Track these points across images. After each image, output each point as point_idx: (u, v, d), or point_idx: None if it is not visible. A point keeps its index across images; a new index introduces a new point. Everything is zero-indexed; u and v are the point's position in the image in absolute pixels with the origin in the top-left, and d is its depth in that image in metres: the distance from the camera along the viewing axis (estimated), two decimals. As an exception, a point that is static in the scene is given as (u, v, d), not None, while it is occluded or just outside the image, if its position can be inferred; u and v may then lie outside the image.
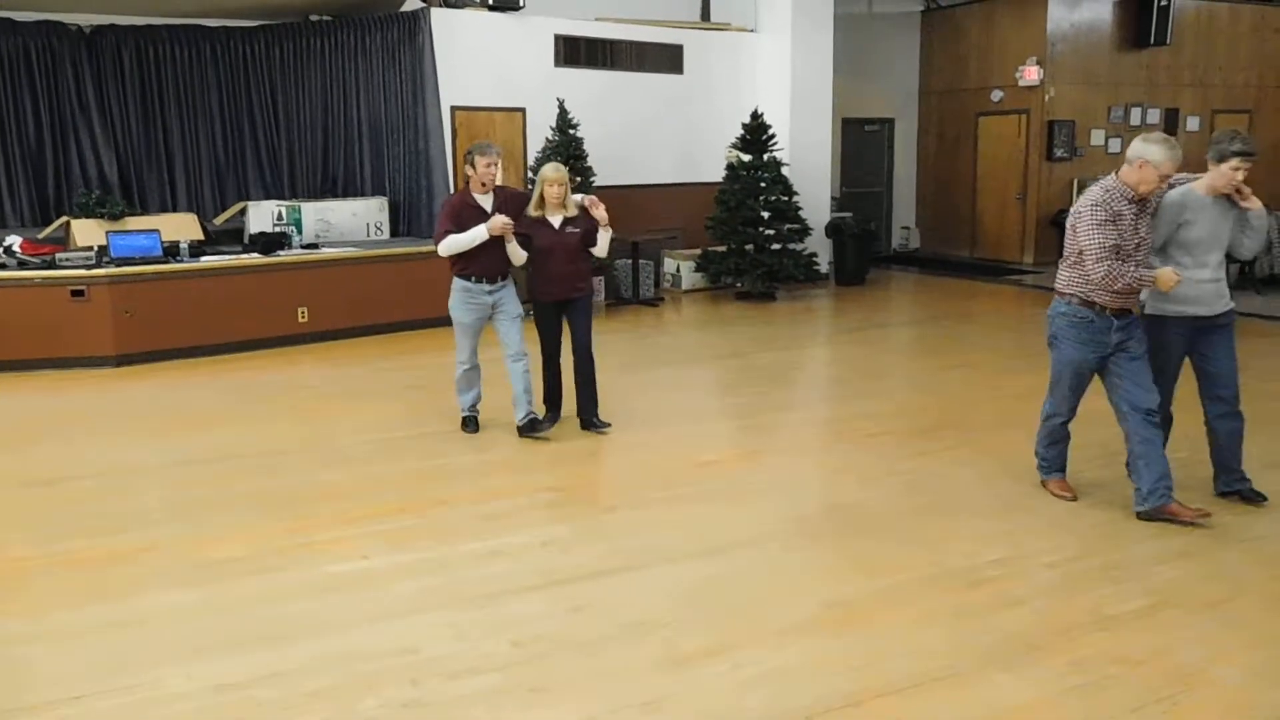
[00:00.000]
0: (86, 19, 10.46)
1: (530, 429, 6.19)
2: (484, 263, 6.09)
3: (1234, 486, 5.07)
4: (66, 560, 4.56)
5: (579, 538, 4.83)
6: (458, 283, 6.18)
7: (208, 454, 6.12)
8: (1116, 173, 4.83)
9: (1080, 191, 14.40)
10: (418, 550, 4.63)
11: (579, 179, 10.52)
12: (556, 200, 6.13)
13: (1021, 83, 14.31)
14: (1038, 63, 14.10)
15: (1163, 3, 14.41)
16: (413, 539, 4.75)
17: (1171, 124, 15.23)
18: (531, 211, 6.17)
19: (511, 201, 6.19)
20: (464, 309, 6.20)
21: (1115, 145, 14.79)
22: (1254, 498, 5.03)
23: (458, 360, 6.35)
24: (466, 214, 6.05)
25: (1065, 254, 4.94)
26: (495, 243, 6.01)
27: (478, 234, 5.98)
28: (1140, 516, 4.81)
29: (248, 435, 6.53)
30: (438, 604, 4.08)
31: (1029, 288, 12.75)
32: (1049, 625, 3.82)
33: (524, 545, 4.69)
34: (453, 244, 6.02)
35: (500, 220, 5.97)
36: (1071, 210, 4.88)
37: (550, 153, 10.45)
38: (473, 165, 6.06)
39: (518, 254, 6.13)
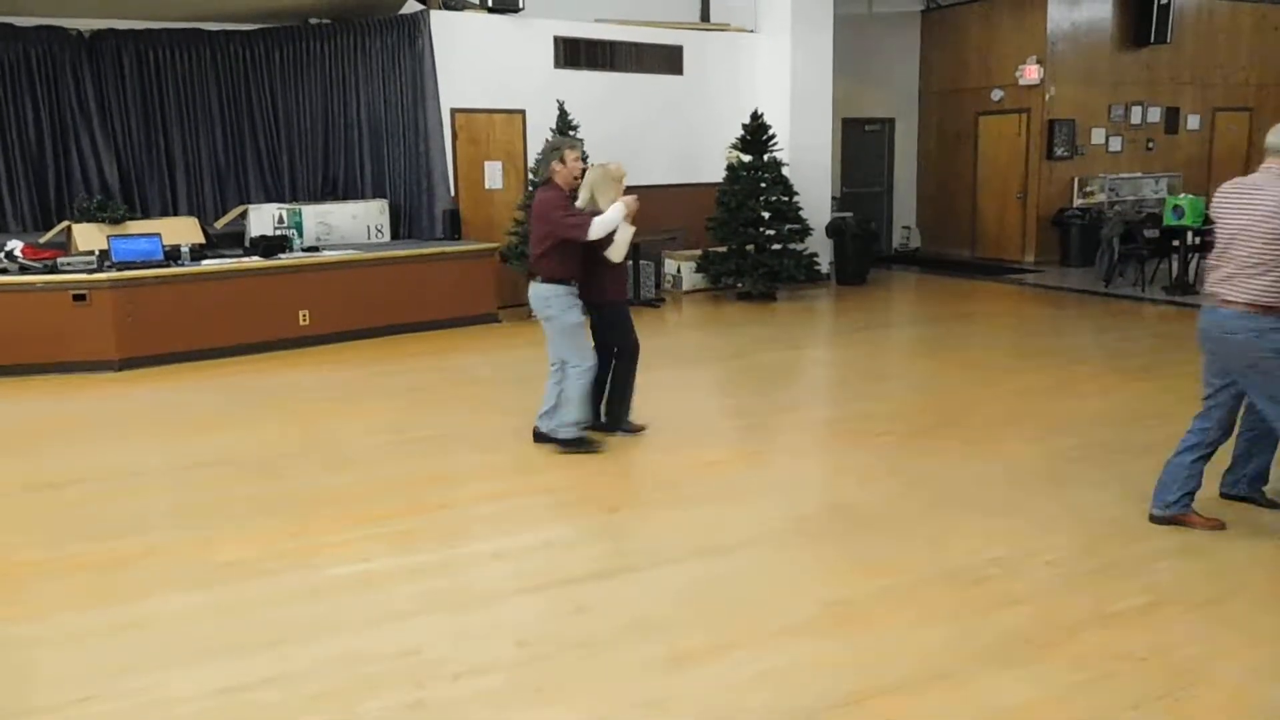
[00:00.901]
0: (86, 24, 10.47)
1: (579, 446, 6.03)
2: (581, 262, 5.88)
3: (1242, 491, 4.99)
4: (71, 563, 4.57)
5: (581, 538, 4.84)
6: (560, 288, 5.82)
7: (210, 457, 6.14)
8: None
9: (1082, 190, 14.44)
10: (420, 552, 4.64)
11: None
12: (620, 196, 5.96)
13: (1022, 82, 14.31)
14: (1038, 62, 14.11)
15: (1163, 1, 14.42)
16: (415, 541, 4.76)
17: (1172, 122, 15.24)
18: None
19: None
20: (575, 311, 5.88)
21: (1116, 144, 14.80)
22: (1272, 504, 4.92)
23: (583, 365, 5.89)
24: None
25: (1254, 262, 4.31)
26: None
27: (618, 213, 5.75)
28: (1154, 520, 4.75)
29: (250, 438, 6.54)
30: (440, 606, 4.09)
31: (1030, 287, 12.75)
32: (1049, 623, 3.83)
33: (526, 546, 4.70)
34: (604, 224, 5.71)
35: (634, 199, 5.80)
36: (1260, 215, 4.29)
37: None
38: (561, 160, 5.81)
39: (624, 247, 5.87)
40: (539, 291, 5.89)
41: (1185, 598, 4.04)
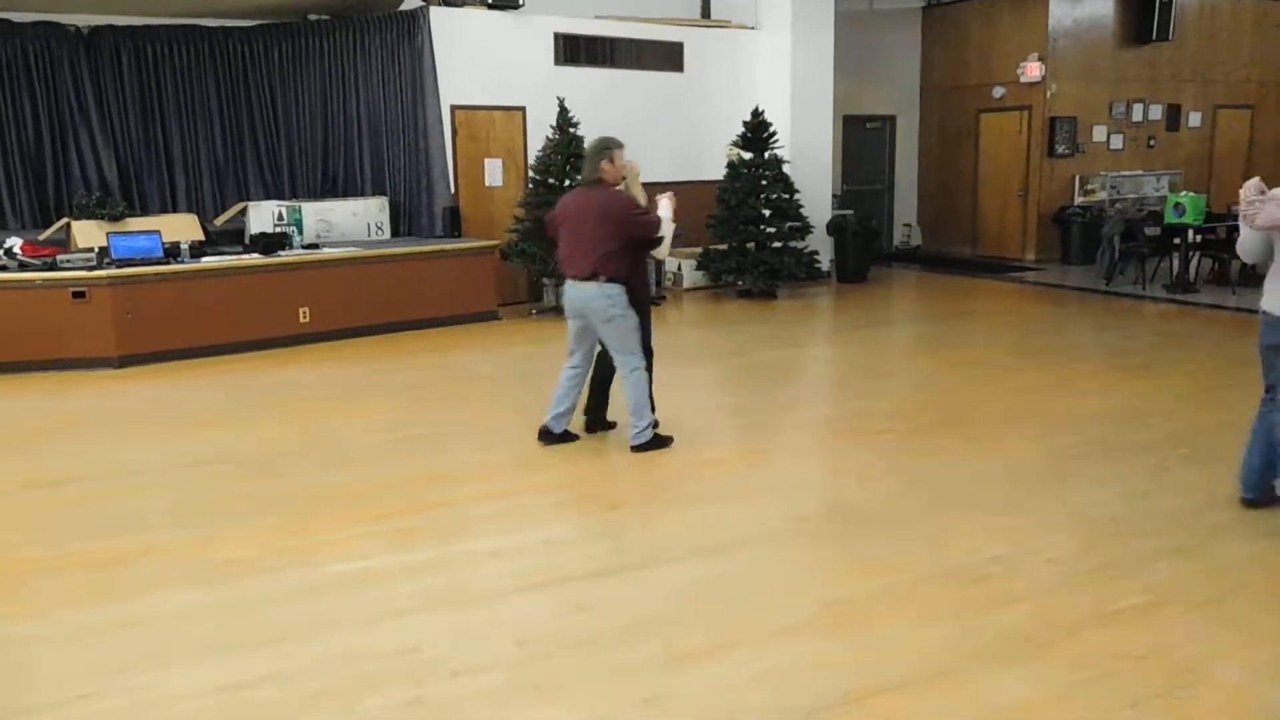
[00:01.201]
0: (84, 19, 10.46)
1: (660, 443, 6.05)
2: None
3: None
4: (70, 561, 4.56)
5: (582, 537, 4.84)
6: (621, 287, 5.75)
7: (210, 455, 6.13)
8: None
9: (1083, 188, 14.43)
10: (420, 550, 4.63)
11: (579, 177, 10.49)
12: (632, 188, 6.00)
13: (1023, 79, 14.30)
14: (1039, 59, 14.09)
15: (1164, -2, 14.42)
16: (415, 539, 4.76)
17: (1174, 120, 15.22)
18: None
19: None
20: (633, 309, 5.86)
21: (1117, 141, 14.78)
22: None
23: (642, 365, 5.93)
24: None
25: None
26: None
27: (669, 211, 5.90)
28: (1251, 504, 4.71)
29: (250, 436, 6.53)
30: (440, 604, 4.09)
31: (1030, 285, 12.74)
32: (1049, 621, 3.82)
33: (526, 545, 4.70)
34: (667, 222, 5.85)
35: (672, 195, 5.94)
36: None
37: (550, 152, 10.45)
38: (610, 159, 5.76)
39: (669, 244, 5.98)
40: (602, 291, 5.72)
41: (1185, 597, 4.03)
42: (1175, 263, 11.64)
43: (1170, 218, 11.42)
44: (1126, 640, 3.68)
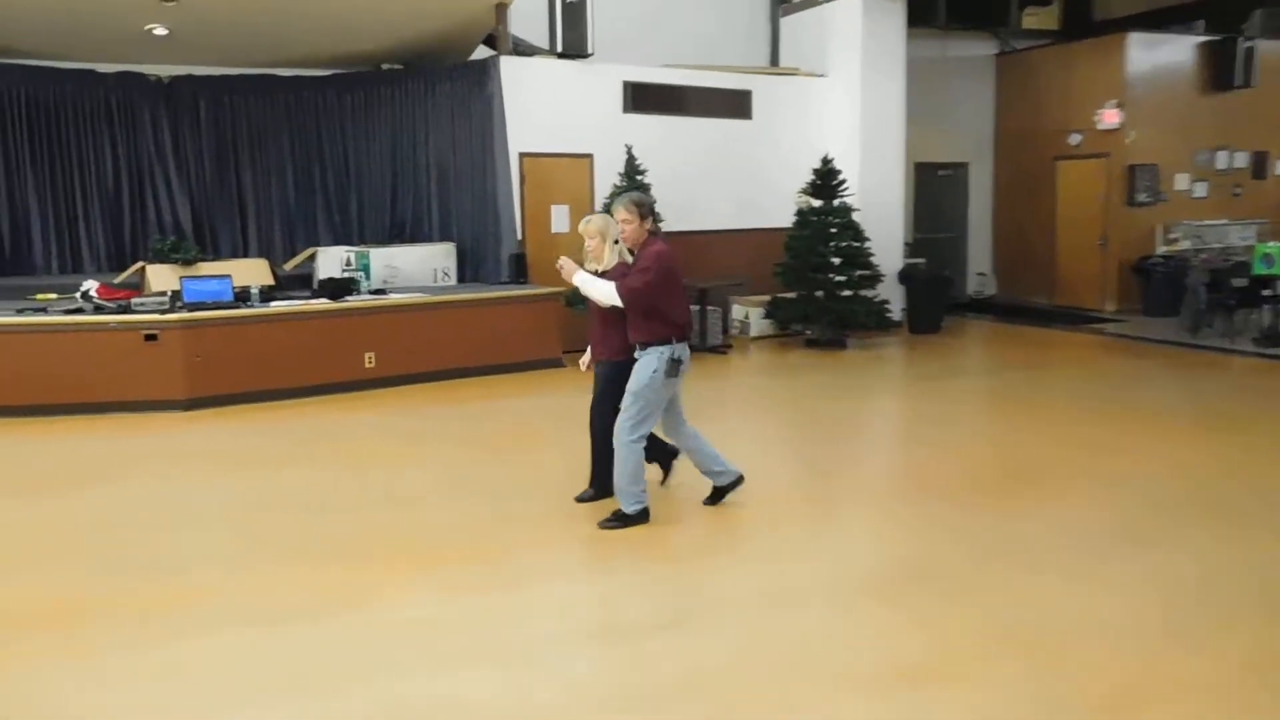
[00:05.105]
0: (165, 70, 10.74)
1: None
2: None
3: None
4: (126, 602, 4.52)
5: (638, 589, 4.68)
6: None
7: (271, 498, 6.11)
8: None
9: (1166, 237, 14.00)
10: (473, 599, 4.51)
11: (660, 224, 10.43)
12: (590, 252, 5.79)
13: (1100, 126, 13.96)
14: (1117, 105, 13.76)
15: (1246, 45, 14.01)
16: (467, 587, 4.64)
17: (1260, 167, 14.75)
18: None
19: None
20: None
21: (1201, 189, 14.34)
22: None
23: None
24: None
25: None
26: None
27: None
28: None
29: (311, 480, 6.50)
30: (490, 653, 3.96)
31: (1111, 336, 12.33)
32: (1116, 690, 3.56)
33: (579, 596, 4.58)
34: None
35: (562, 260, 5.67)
36: None
37: (618, 198, 10.40)
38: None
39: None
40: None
41: (1267, 670, 3.74)
42: (1265, 315, 11.19)
43: (1259, 269, 10.99)
44: (1199, 714, 3.40)
